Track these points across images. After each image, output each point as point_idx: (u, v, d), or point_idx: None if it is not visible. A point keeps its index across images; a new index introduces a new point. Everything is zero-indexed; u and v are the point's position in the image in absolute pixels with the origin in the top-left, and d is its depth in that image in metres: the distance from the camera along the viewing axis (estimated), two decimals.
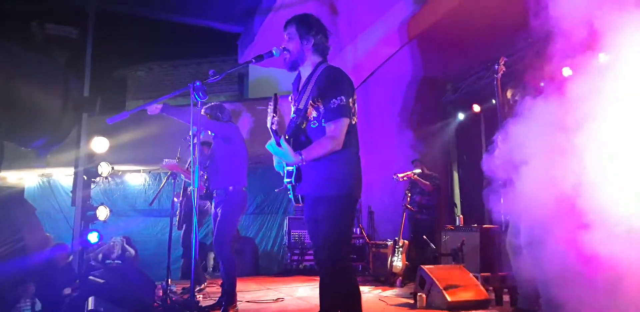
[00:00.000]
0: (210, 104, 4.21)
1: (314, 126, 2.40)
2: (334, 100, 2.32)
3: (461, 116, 8.34)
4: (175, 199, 5.47)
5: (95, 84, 5.21)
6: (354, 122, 2.42)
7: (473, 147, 7.95)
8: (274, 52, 2.44)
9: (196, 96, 2.29)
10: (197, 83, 2.28)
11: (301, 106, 2.44)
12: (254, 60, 2.44)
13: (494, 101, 4.99)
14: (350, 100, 2.36)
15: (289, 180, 2.40)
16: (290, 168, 2.39)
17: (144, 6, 7.88)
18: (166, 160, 4.62)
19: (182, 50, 11.01)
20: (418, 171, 6.49)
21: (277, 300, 4.62)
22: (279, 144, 2.26)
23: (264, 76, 10.15)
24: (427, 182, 6.45)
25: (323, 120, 2.37)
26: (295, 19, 2.50)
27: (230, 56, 9.69)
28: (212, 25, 8.60)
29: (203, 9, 7.98)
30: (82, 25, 5.04)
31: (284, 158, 2.33)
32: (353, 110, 2.40)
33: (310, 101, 2.40)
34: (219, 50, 10.32)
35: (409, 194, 6.21)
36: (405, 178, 6.31)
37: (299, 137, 2.42)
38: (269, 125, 2.29)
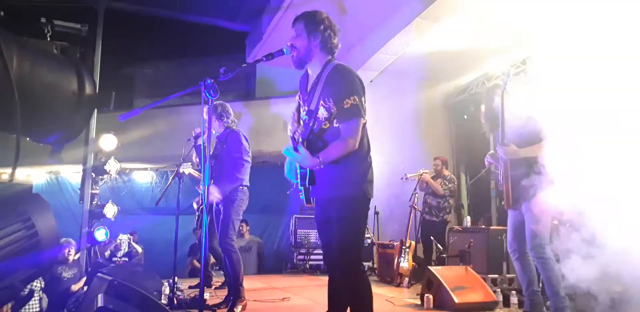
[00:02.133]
0: (214, 103, 4.24)
1: (325, 127, 2.36)
2: (347, 100, 2.27)
3: (469, 117, 8.30)
4: (195, 205, 5.53)
5: (103, 81, 5.23)
6: (365, 121, 2.38)
7: (481, 148, 7.91)
8: (284, 50, 2.41)
9: (207, 94, 2.28)
10: (209, 81, 2.26)
11: (312, 107, 2.40)
12: (264, 59, 2.41)
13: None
14: (363, 99, 2.33)
15: (303, 183, 2.38)
16: (303, 170, 2.37)
17: (152, 4, 7.91)
18: (184, 164, 4.67)
19: (190, 49, 11.03)
20: (432, 171, 6.45)
21: (283, 299, 4.61)
22: (296, 149, 2.25)
23: (271, 75, 10.17)
24: (438, 186, 6.36)
25: (335, 121, 2.33)
26: (304, 15, 2.45)
27: (238, 55, 9.70)
28: (220, 24, 8.61)
29: (211, 8, 7.99)
30: (91, 22, 5.06)
31: (302, 163, 2.31)
32: (365, 110, 2.37)
33: (322, 102, 2.35)
34: (226, 49, 10.33)
35: (416, 195, 6.18)
36: (417, 178, 6.29)
37: (311, 139, 2.39)
38: (289, 133, 2.28)
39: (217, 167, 4.10)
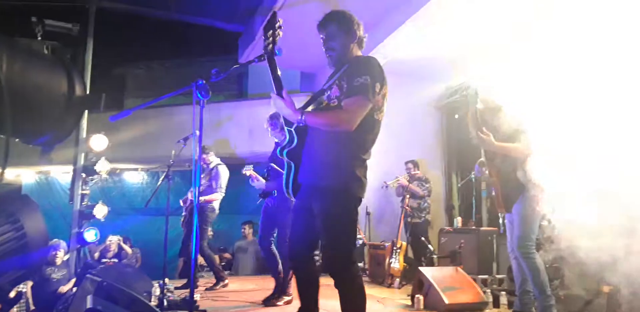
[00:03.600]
0: (270, 115, 4.44)
1: (333, 104, 2.33)
2: (357, 78, 2.23)
3: (460, 118, 8.33)
4: (182, 203, 5.52)
5: (94, 81, 5.22)
6: (377, 118, 2.34)
7: (472, 149, 7.96)
8: (277, 51, 2.42)
9: (199, 95, 2.28)
10: (200, 82, 2.27)
11: (326, 86, 2.40)
12: (256, 60, 2.42)
13: None
14: (377, 84, 2.27)
15: (282, 152, 2.38)
16: (291, 147, 2.37)
17: (144, 4, 7.86)
18: (246, 166, 4.72)
19: (182, 49, 10.99)
20: (406, 176, 6.56)
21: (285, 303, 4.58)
22: (280, 95, 2.25)
23: (264, 75, 10.13)
24: (417, 189, 6.48)
25: (343, 99, 2.27)
26: (333, 17, 2.43)
27: (230, 55, 9.67)
28: (213, 24, 8.58)
29: (204, 8, 7.97)
30: (82, 22, 5.03)
31: (282, 111, 2.27)
32: (380, 104, 2.33)
33: (337, 81, 2.33)
34: (219, 49, 10.30)
35: (408, 196, 6.24)
36: (395, 185, 6.44)
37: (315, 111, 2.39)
38: (269, 48, 2.30)
39: (274, 171, 4.37)
